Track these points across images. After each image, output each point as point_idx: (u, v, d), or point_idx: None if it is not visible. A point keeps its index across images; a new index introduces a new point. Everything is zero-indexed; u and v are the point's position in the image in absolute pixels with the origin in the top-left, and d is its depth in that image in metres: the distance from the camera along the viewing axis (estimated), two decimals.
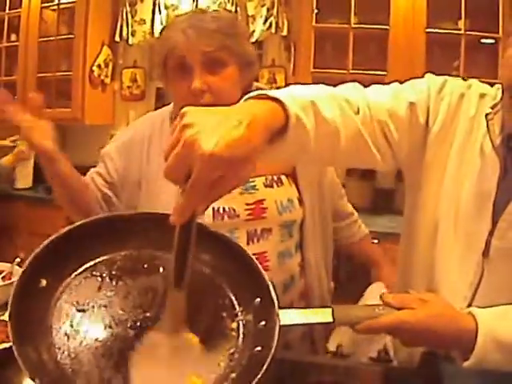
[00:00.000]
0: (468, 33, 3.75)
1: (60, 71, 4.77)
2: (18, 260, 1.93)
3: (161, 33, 1.76)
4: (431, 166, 1.42)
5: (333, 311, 1.14)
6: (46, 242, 1.10)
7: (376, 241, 3.34)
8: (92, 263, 1.16)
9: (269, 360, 0.98)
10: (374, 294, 1.88)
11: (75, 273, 1.14)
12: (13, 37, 4.97)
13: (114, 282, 1.15)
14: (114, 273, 1.16)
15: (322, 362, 1.53)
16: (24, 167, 4.70)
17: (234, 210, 1.69)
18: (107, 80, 4.82)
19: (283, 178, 1.76)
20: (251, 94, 1.10)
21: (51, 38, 4.76)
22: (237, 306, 1.15)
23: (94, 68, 4.66)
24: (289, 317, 1.11)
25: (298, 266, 1.80)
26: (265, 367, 0.97)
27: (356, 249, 2.13)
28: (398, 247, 1.59)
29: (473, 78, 3.08)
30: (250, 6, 4.29)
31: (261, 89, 1.77)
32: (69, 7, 4.71)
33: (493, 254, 1.31)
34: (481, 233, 1.33)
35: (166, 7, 4.48)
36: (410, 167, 1.48)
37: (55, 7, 4.78)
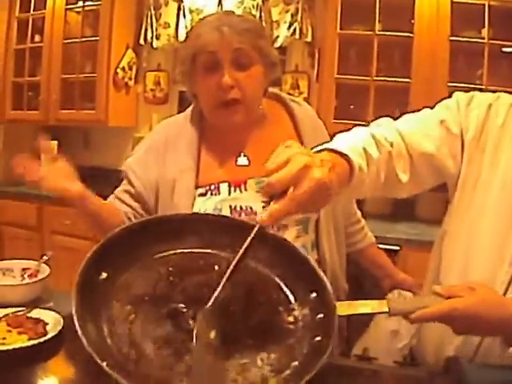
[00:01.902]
0: (491, 41, 3.75)
1: (84, 73, 4.81)
2: (45, 258, 1.96)
3: (188, 32, 1.81)
4: (467, 171, 1.49)
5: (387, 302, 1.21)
6: (107, 237, 1.16)
7: (397, 247, 3.37)
8: (149, 259, 1.21)
9: (330, 347, 1.04)
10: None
11: (134, 268, 1.18)
12: (37, 38, 5.01)
13: (171, 278, 1.20)
14: (170, 269, 1.21)
15: (347, 365, 1.54)
16: None
17: (251, 208, 1.74)
18: (131, 83, 4.86)
19: None
20: (318, 148, 1.29)
21: (75, 40, 4.81)
22: (293, 301, 1.20)
23: (118, 70, 4.69)
24: (346, 308, 1.18)
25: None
26: (327, 354, 1.02)
27: (363, 255, 2.13)
28: (431, 253, 1.66)
29: (495, 86, 3.14)
30: (275, 11, 4.31)
31: (276, 94, 1.91)
32: (93, 9, 4.76)
33: None
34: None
35: (191, 11, 4.51)
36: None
37: (79, 9, 4.83)
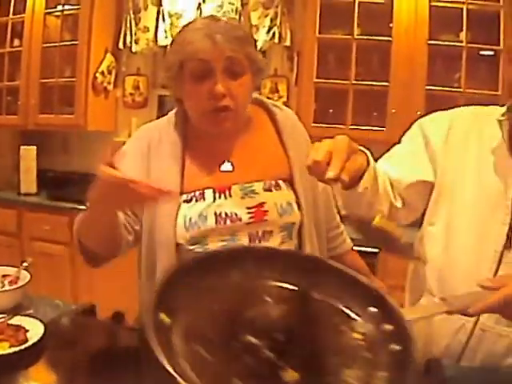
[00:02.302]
0: (469, 45, 3.79)
1: (63, 77, 4.78)
2: (24, 264, 1.94)
3: (175, 37, 1.77)
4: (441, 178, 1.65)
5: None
6: (166, 276, 1.16)
7: (376, 250, 3.39)
8: (205, 296, 1.21)
9: (414, 353, 1.06)
10: None
11: (192, 306, 1.18)
12: (16, 42, 4.98)
13: (229, 313, 1.21)
14: (226, 304, 1.22)
15: None
16: (29, 173, 4.73)
17: (236, 214, 1.73)
18: (110, 87, 4.84)
19: (281, 182, 1.81)
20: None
21: (54, 44, 4.78)
22: (355, 317, 1.22)
23: (98, 75, 4.68)
24: (409, 313, 1.20)
25: None
26: (414, 358, 1.04)
27: (341, 261, 2.10)
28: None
29: (473, 89, 3.18)
30: (254, 15, 4.32)
31: (258, 99, 1.92)
32: (72, 14, 4.73)
33: None
34: (498, 228, 1.53)
35: (170, 15, 4.51)
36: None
37: (59, 13, 4.80)
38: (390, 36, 3.86)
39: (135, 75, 4.95)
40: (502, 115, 1.56)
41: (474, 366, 1.54)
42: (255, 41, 1.82)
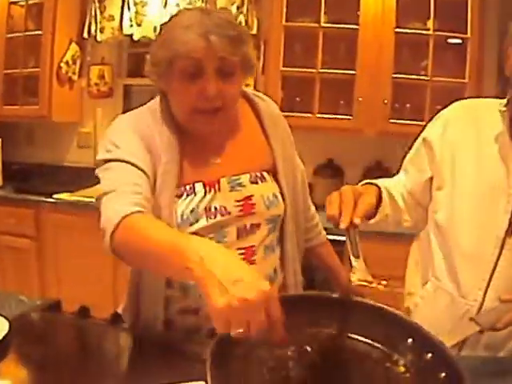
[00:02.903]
0: (436, 33, 3.79)
1: (27, 68, 4.69)
2: None
3: (162, 31, 1.69)
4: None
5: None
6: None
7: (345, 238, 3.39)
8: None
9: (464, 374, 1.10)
10: None
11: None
12: None
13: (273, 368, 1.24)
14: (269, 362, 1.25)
15: None
16: None
17: (225, 208, 1.72)
18: (75, 77, 4.77)
19: (265, 174, 1.81)
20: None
21: (19, 34, 4.69)
22: (393, 353, 1.27)
23: (62, 65, 4.60)
24: (447, 339, 1.26)
25: (278, 260, 1.86)
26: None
27: (315, 253, 2.13)
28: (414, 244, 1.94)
29: (440, 77, 3.22)
30: (220, 3, 4.27)
31: (243, 90, 1.86)
32: (37, 3, 4.64)
33: None
34: (500, 215, 1.63)
35: (135, 4, 4.44)
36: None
37: (23, 3, 4.71)
38: (357, 24, 3.84)
39: (100, 65, 4.87)
40: (505, 106, 1.68)
41: (477, 349, 1.63)
42: (251, 36, 1.75)
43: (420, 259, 1.88)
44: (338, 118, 3.94)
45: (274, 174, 1.84)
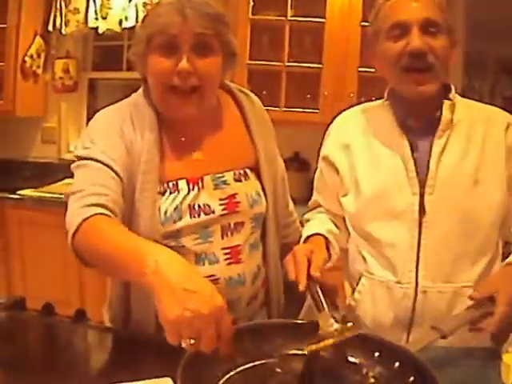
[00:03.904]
0: None
1: None
2: None
3: (147, 12, 1.70)
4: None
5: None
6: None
7: None
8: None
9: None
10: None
11: None
12: None
13: None
14: None
15: None
16: None
17: (209, 206, 1.70)
18: (39, 71, 4.68)
19: (248, 171, 1.80)
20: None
21: None
22: (362, 367, 1.35)
23: (27, 58, 4.52)
24: (411, 346, 1.34)
25: (261, 257, 1.85)
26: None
27: (292, 248, 2.11)
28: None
29: None
30: None
31: (225, 84, 1.86)
32: None
33: (429, 210, 1.70)
34: (409, 197, 1.72)
35: None
36: None
37: None
38: (324, 17, 3.84)
39: (65, 58, 4.80)
40: (386, 100, 1.85)
41: (424, 328, 1.65)
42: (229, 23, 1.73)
43: (350, 265, 1.95)
44: (304, 112, 3.95)
45: (256, 171, 1.83)
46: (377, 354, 1.33)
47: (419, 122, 1.76)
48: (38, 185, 4.26)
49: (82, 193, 1.50)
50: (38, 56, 4.64)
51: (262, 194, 1.81)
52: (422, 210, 1.71)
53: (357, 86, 3.82)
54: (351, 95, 3.79)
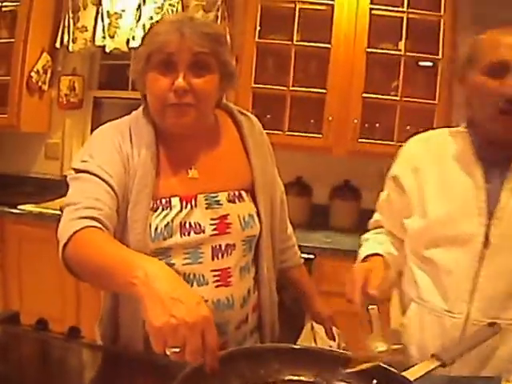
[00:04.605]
0: (408, 54, 3.82)
1: None
2: None
3: (146, 31, 1.73)
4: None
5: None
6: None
7: (312, 256, 3.40)
8: None
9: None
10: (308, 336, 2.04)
11: None
12: None
13: None
14: None
15: None
16: None
17: (200, 225, 1.70)
18: (45, 87, 4.70)
19: (243, 193, 1.79)
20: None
21: None
22: None
23: (33, 74, 4.53)
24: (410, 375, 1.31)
25: (252, 280, 1.83)
26: None
27: (289, 275, 2.11)
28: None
29: (410, 98, 3.26)
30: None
31: (225, 105, 1.88)
32: (11, 10, 4.58)
33: (493, 242, 1.67)
34: (475, 228, 1.70)
35: (109, 15, 4.42)
36: None
37: None
38: (330, 43, 3.86)
39: (71, 75, 4.82)
40: (465, 127, 1.81)
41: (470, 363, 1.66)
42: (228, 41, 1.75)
43: (402, 289, 1.94)
44: (307, 136, 3.94)
45: (252, 193, 1.82)
46: (374, 381, 1.31)
47: (496, 155, 1.74)
48: (39, 200, 4.25)
49: (76, 205, 1.51)
50: (45, 72, 4.66)
51: (255, 216, 1.80)
52: (486, 241, 1.69)
53: (361, 112, 3.82)
54: (355, 121, 3.79)
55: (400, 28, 3.80)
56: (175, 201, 1.69)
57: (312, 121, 4.02)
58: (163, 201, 1.68)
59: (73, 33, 4.53)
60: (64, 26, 4.54)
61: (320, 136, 3.89)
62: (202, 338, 1.13)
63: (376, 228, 2.06)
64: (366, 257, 1.85)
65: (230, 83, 1.78)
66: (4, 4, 4.60)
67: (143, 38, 1.72)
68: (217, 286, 1.71)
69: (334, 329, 2.01)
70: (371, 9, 3.81)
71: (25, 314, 1.77)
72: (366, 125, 3.91)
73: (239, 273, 1.76)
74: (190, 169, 1.75)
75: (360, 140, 3.83)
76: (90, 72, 4.85)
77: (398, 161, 1.98)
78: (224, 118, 1.87)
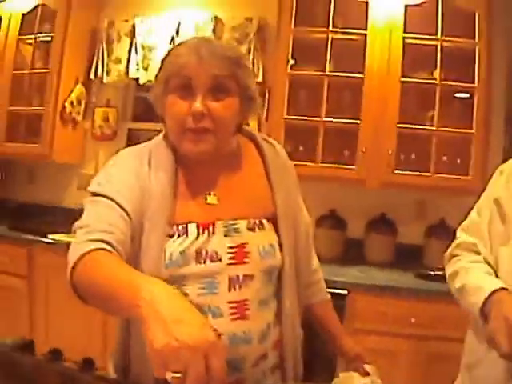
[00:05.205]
0: (443, 83, 3.76)
1: (32, 105, 4.69)
2: None
3: (165, 54, 1.69)
4: None
5: None
6: None
7: (345, 291, 3.31)
8: None
9: None
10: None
11: None
12: None
13: None
14: None
15: None
16: None
17: (217, 254, 1.63)
18: (79, 118, 4.75)
19: (265, 222, 1.72)
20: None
21: (25, 72, 4.72)
22: None
23: (66, 105, 4.59)
24: None
25: (273, 314, 1.74)
26: None
27: (313, 311, 1.98)
28: None
29: (446, 128, 3.19)
30: None
31: (249, 132, 1.83)
32: (45, 41, 4.67)
33: None
34: None
35: (143, 48, 4.47)
36: None
37: (32, 40, 4.73)
38: (363, 73, 3.81)
39: (105, 107, 4.86)
40: None
41: None
42: (252, 70, 1.70)
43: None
44: (341, 168, 3.87)
45: (273, 222, 1.75)
46: None
47: None
48: (69, 231, 4.24)
49: (88, 228, 1.48)
50: (79, 103, 4.70)
51: (276, 246, 1.72)
52: None
53: (395, 143, 3.75)
54: (389, 152, 3.72)
55: (434, 56, 3.74)
56: (192, 227, 1.63)
57: (345, 152, 3.97)
58: (180, 227, 1.62)
59: (107, 64, 4.59)
60: (98, 58, 4.62)
61: (354, 168, 3.82)
62: (206, 364, 1.05)
63: (469, 252, 1.84)
64: (492, 293, 1.63)
65: (251, 108, 1.73)
66: (39, 35, 4.66)
67: (162, 61, 1.68)
68: (233, 319, 1.62)
69: (366, 366, 1.86)
70: (404, 38, 3.76)
71: (48, 344, 1.73)
72: (401, 156, 3.84)
73: (258, 306, 1.67)
74: (209, 194, 1.69)
75: (395, 171, 3.75)
76: (124, 103, 4.86)
77: (498, 181, 1.85)
78: (247, 145, 1.82)
